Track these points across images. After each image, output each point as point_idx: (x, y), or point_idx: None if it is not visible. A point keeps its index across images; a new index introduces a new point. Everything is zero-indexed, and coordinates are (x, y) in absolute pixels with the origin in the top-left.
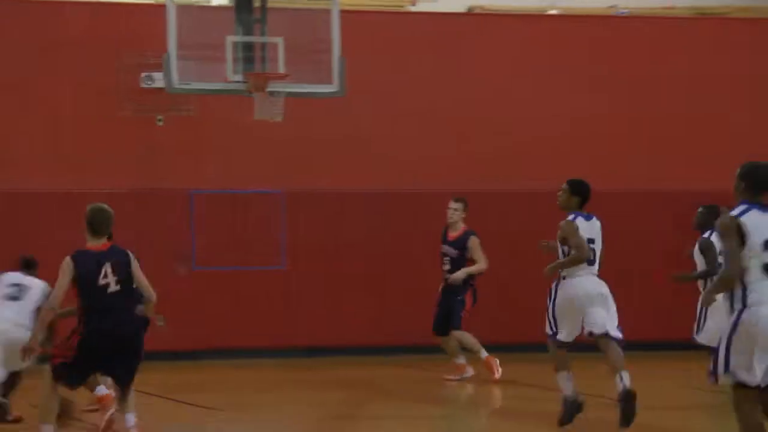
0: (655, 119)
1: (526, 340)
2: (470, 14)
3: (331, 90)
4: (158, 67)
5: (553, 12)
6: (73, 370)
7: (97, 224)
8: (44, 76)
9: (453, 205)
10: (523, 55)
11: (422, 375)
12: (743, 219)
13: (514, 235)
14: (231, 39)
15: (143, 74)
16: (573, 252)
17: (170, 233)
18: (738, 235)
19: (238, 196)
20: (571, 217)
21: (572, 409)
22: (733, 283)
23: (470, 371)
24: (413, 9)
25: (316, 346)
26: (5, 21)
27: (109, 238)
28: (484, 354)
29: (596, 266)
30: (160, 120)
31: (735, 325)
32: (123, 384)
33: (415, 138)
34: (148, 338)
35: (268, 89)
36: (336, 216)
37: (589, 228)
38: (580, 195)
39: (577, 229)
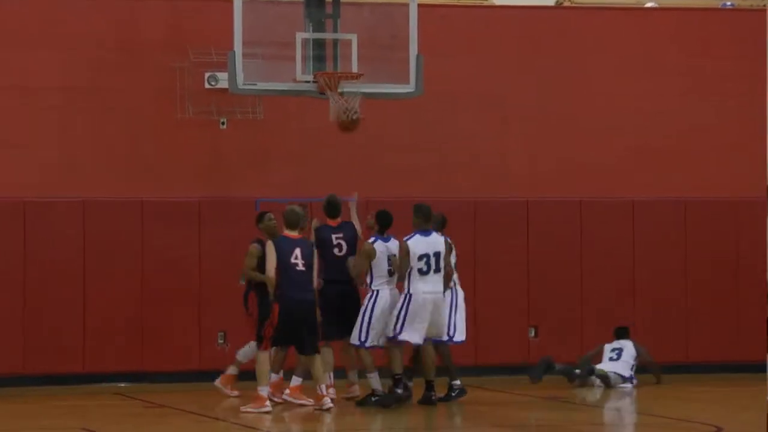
0: None
1: None
2: (559, 7)
3: (408, 90)
4: (223, 67)
5: (651, 5)
6: None
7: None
8: (106, 75)
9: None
10: (617, 51)
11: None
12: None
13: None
14: (301, 36)
15: (207, 74)
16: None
17: (234, 244)
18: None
19: (308, 205)
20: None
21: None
22: None
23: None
24: (497, 2)
25: None
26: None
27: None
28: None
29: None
30: (223, 123)
31: None
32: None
33: (497, 142)
34: None
35: (340, 90)
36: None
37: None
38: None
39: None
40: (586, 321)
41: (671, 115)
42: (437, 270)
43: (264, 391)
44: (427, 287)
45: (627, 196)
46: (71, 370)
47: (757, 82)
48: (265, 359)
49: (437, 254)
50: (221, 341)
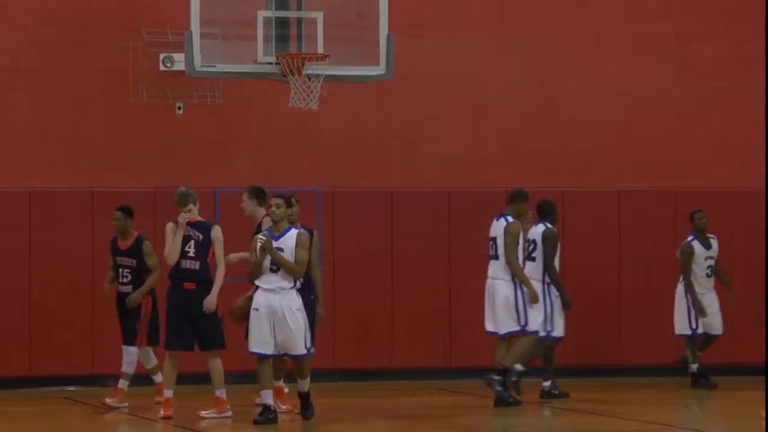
0: None
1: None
2: None
3: (378, 72)
4: (179, 47)
5: None
6: None
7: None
8: (52, 54)
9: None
10: (603, 31)
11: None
12: None
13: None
14: (262, 14)
15: (162, 55)
16: None
17: None
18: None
19: (269, 196)
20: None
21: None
22: None
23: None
24: None
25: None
26: None
27: None
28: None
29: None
30: (179, 108)
31: None
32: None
33: (474, 128)
34: None
35: (305, 72)
36: (383, 218)
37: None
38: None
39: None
40: (569, 320)
41: (661, 100)
42: (495, 256)
43: (223, 393)
44: (489, 272)
45: (613, 186)
46: (16, 373)
47: (753, 64)
48: (219, 361)
49: (494, 239)
50: None
